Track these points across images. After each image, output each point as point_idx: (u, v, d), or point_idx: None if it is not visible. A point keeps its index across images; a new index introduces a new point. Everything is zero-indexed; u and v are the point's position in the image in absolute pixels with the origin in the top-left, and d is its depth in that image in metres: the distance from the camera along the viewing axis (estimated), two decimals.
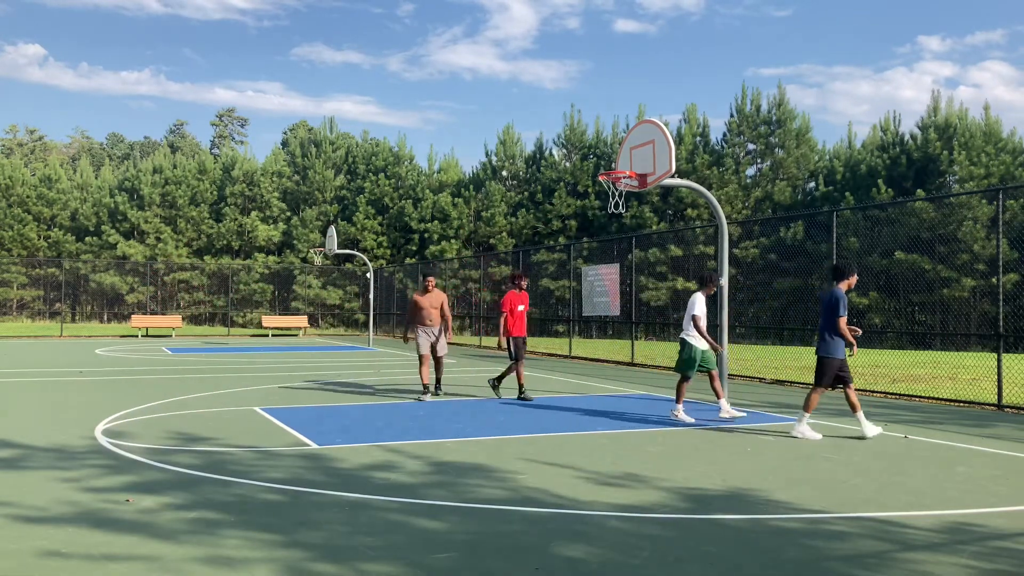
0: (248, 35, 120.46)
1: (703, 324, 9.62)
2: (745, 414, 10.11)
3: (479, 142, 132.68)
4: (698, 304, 9.70)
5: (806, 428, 8.49)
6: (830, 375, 8.43)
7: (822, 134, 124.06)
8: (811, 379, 14.79)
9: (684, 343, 9.75)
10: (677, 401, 9.78)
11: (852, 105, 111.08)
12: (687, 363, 9.71)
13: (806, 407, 8.51)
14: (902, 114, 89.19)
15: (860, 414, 8.45)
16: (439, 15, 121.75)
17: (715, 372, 9.86)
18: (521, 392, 11.86)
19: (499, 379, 12.21)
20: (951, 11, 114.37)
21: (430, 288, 11.98)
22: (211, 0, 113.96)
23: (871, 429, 8.43)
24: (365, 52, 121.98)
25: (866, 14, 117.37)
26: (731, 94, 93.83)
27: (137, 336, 32.06)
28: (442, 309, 11.99)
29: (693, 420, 9.61)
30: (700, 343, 9.69)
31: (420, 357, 11.84)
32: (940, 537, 4.85)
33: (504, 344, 11.93)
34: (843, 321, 8.32)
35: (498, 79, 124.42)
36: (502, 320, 11.84)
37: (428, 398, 11.66)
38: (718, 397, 9.87)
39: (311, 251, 37.07)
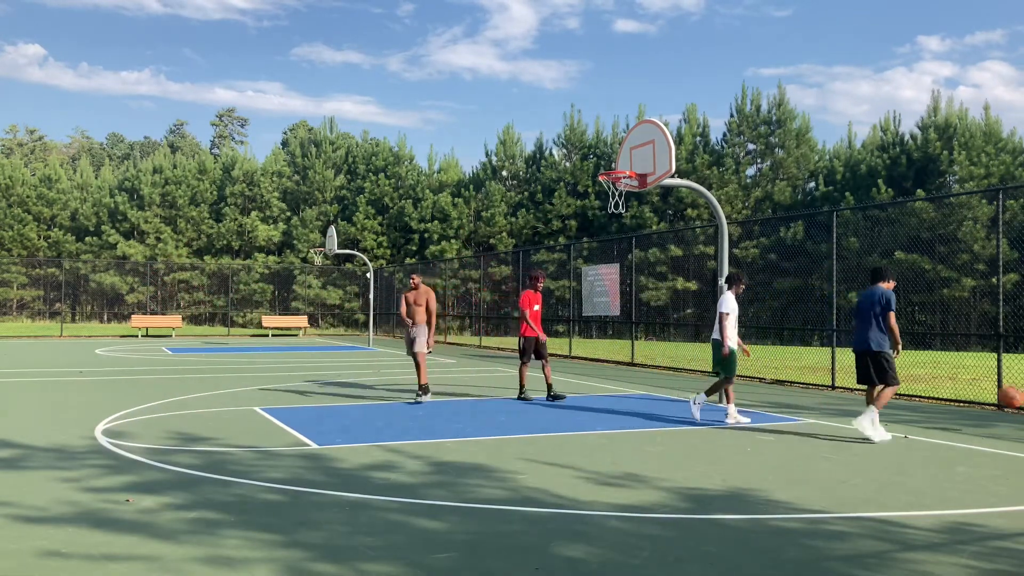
0: (248, 35, 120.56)
1: (727, 323, 9.49)
2: (749, 420, 10.05)
3: (479, 142, 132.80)
4: (726, 302, 9.62)
5: (879, 427, 8.26)
6: (895, 368, 8.41)
7: (822, 134, 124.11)
8: (811, 379, 14.83)
9: (717, 343, 9.70)
10: (727, 403, 9.66)
11: (852, 105, 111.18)
12: (725, 363, 9.62)
13: (877, 403, 8.29)
14: (902, 114, 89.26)
15: (876, 415, 8.39)
16: (439, 15, 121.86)
17: (732, 376, 9.79)
18: (521, 392, 11.86)
19: (549, 388, 11.84)
20: (951, 11, 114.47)
21: (414, 285, 11.91)
22: (211, 0, 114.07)
23: (880, 433, 8.31)
24: (365, 52, 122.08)
25: (866, 14, 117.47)
26: (731, 94, 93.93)
27: (137, 336, 32.06)
28: (427, 306, 11.79)
29: (699, 418, 9.63)
30: (732, 343, 9.61)
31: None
32: (940, 537, 4.85)
33: (543, 339, 11.82)
34: (894, 316, 8.37)
35: (498, 79, 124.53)
36: (528, 318, 11.78)
37: (426, 399, 11.56)
38: (728, 401, 9.78)
39: (311, 251, 37.08)
